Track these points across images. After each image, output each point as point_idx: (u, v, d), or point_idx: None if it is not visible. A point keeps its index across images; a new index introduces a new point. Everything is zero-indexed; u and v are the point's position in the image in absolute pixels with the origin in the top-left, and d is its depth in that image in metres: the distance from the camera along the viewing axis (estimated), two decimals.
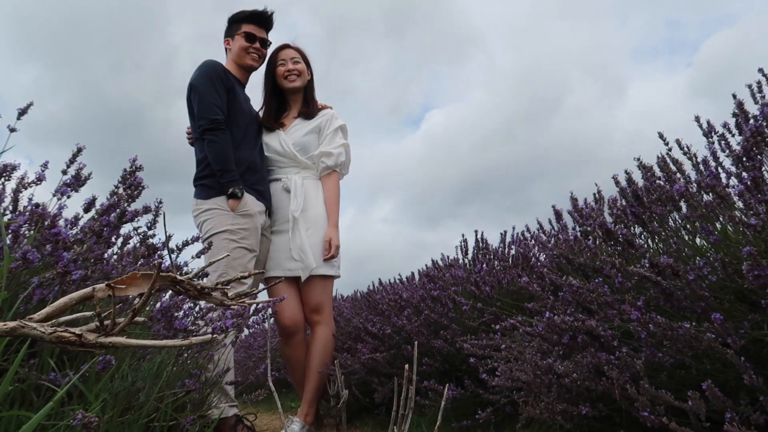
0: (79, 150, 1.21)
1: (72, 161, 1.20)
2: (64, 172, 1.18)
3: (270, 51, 2.36)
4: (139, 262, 1.31)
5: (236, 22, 2.25)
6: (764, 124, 1.06)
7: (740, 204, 1.14)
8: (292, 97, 2.39)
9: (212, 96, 2.06)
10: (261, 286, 2.26)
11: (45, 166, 1.19)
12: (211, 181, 2.09)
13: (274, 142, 2.31)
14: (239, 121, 2.17)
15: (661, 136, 1.43)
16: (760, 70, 1.28)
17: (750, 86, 1.28)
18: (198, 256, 1.66)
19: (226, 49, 2.30)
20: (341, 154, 2.33)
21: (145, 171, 1.27)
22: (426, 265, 2.80)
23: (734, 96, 1.24)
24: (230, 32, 2.27)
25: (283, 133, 2.32)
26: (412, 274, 3.07)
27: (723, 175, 1.23)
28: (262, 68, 2.38)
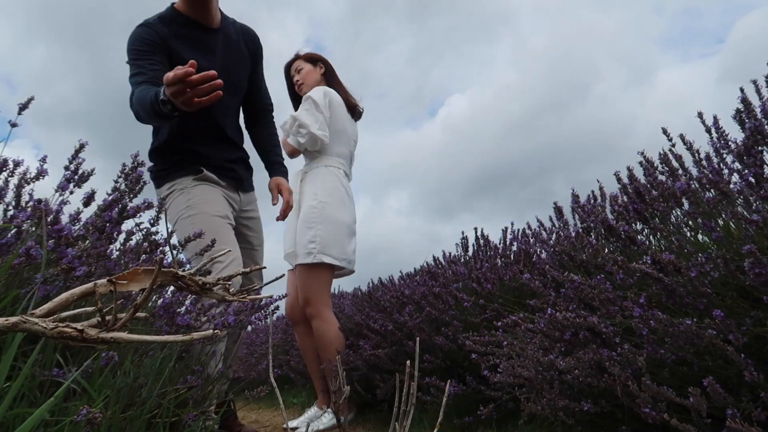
0: (81, 146, 1.21)
1: (74, 157, 1.20)
2: (67, 168, 1.19)
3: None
4: (142, 258, 1.31)
5: None
6: (765, 121, 1.05)
7: (742, 200, 1.13)
8: None
9: None
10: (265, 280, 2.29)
11: (44, 160, 1.19)
12: None
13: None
14: None
15: (664, 131, 1.43)
16: None
17: (755, 81, 1.26)
18: (201, 253, 1.66)
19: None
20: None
21: None
22: (427, 262, 2.81)
23: (742, 90, 1.23)
24: None
25: None
26: (414, 270, 3.07)
27: (725, 171, 1.22)
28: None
